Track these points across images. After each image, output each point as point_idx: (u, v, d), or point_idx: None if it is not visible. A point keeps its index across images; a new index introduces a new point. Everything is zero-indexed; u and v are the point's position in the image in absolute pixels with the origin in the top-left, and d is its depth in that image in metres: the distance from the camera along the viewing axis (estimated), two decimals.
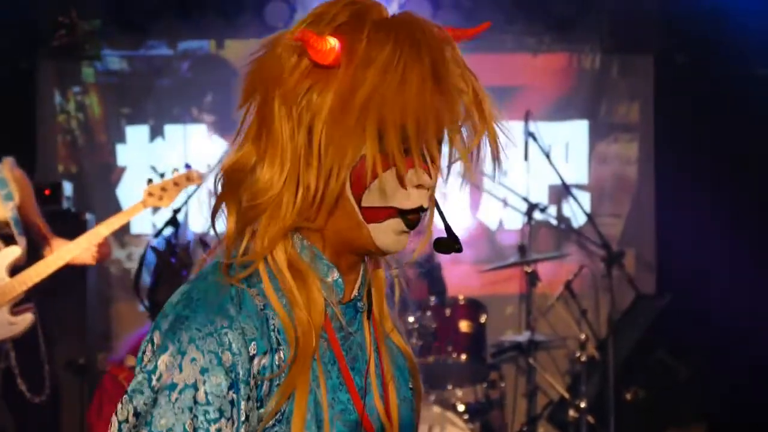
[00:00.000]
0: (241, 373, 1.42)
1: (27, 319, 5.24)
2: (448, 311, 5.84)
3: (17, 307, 5.27)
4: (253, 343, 1.44)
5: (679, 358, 6.48)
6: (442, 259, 6.46)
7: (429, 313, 5.73)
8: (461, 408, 5.76)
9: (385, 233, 1.53)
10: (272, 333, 1.48)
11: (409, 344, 1.76)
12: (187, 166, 5.38)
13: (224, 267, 1.52)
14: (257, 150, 1.56)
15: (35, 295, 5.36)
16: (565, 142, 7.35)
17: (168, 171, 5.32)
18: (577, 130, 7.43)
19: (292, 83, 1.52)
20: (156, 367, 1.39)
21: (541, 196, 7.00)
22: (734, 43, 6.76)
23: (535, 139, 6.33)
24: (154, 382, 1.39)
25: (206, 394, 1.38)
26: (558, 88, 7.39)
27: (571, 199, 6.73)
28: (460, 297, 5.97)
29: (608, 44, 7.38)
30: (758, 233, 6.59)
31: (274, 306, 1.49)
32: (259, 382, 1.45)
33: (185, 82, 7.74)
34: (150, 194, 5.30)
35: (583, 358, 5.93)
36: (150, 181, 5.34)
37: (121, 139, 7.65)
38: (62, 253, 5.28)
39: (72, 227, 6.07)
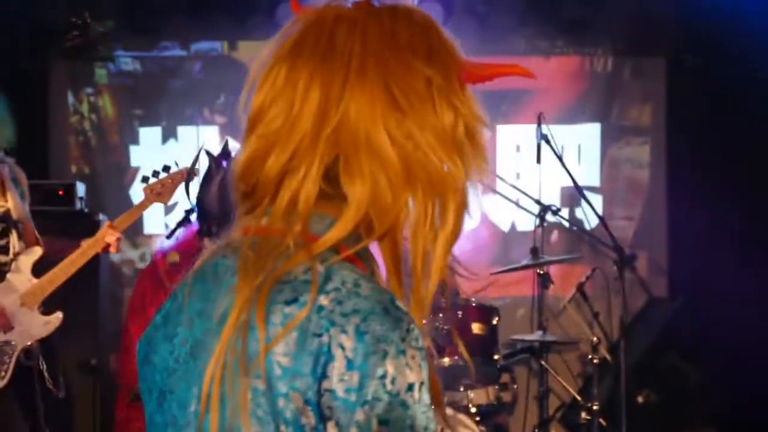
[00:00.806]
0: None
1: (59, 317, 5.29)
2: (460, 313, 5.82)
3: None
4: None
5: (691, 362, 6.51)
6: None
7: (441, 315, 5.68)
8: (473, 410, 5.73)
9: None
10: None
11: None
12: (176, 164, 5.44)
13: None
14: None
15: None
16: (578, 145, 7.42)
17: (161, 169, 5.40)
18: (590, 132, 7.50)
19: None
20: (386, 372, 1.35)
21: (553, 198, 7.04)
22: (744, 46, 6.80)
23: (547, 141, 6.30)
24: (389, 387, 1.35)
25: (427, 389, 1.38)
26: (570, 90, 7.45)
27: (583, 202, 6.61)
28: (473, 299, 5.96)
29: (620, 47, 7.46)
30: None
31: None
32: None
33: (198, 84, 7.78)
34: (151, 191, 5.40)
35: (596, 361, 5.91)
36: (146, 179, 5.43)
37: (134, 140, 7.71)
38: (86, 250, 5.31)
39: (85, 227, 6.13)
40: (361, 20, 1.50)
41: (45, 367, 5.35)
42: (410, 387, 1.35)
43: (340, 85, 1.46)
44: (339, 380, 1.34)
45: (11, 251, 5.32)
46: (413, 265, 1.48)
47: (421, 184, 1.47)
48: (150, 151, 7.63)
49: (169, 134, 7.72)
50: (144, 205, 5.46)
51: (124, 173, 7.71)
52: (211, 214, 5.00)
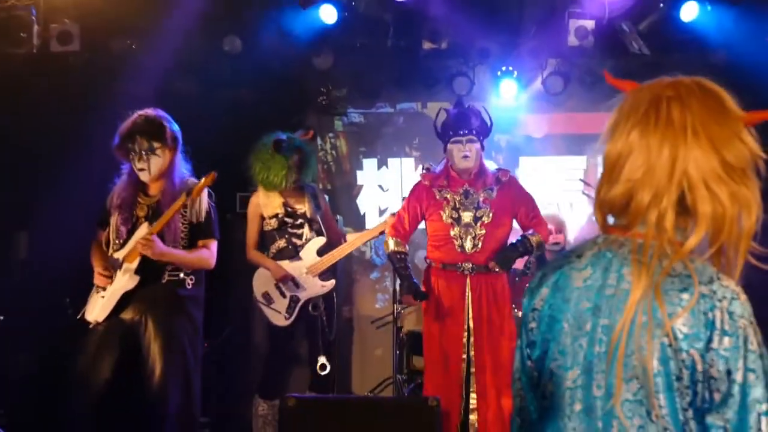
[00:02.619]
0: None
1: (332, 283, 6.18)
2: None
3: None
4: None
5: None
6: None
7: None
8: None
9: None
10: None
11: None
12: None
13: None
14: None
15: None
16: None
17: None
18: None
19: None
20: (747, 337, 1.71)
21: None
22: None
23: None
24: (749, 347, 1.70)
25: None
26: None
27: None
28: None
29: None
30: None
31: None
32: None
33: (401, 130, 8.58)
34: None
35: None
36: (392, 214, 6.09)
37: (360, 167, 8.55)
38: (354, 241, 6.28)
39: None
40: (685, 98, 1.81)
41: (325, 317, 6.11)
42: (759, 346, 1.70)
43: (682, 145, 1.77)
44: (719, 342, 1.72)
45: (304, 237, 6.12)
46: (728, 257, 1.78)
47: (739, 205, 1.76)
48: (369, 175, 8.52)
49: (382, 163, 8.52)
50: (381, 227, 6.25)
51: (353, 189, 8.52)
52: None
